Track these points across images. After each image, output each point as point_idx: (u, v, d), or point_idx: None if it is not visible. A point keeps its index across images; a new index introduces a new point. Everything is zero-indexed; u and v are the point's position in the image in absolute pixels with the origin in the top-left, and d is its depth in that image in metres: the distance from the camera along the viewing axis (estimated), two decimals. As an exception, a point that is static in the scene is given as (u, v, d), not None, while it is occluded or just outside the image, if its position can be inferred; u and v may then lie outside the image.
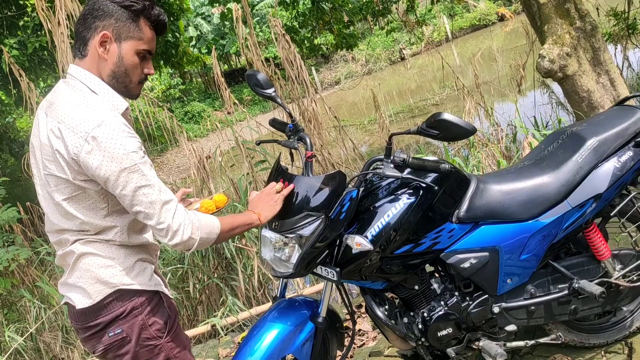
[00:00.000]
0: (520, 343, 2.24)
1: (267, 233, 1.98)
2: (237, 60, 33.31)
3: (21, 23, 9.24)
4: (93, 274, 1.63)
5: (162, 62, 11.71)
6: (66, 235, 1.64)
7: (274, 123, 2.38)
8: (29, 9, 8.85)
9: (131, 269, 1.67)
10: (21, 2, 8.80)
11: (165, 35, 10.84)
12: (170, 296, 1.82)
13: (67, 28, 4.22)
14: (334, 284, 2.06)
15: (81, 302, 1.64)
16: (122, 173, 1.51)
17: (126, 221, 1.65)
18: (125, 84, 1.66)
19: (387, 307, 2.15)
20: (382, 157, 1.99)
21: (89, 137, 1.49)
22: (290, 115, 2.28)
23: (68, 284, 1.69)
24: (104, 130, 1.50)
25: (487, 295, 2.16)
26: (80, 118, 1.52)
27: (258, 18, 27.06)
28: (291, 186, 1.95)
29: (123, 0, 1.60)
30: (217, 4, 14.06)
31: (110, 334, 1.64)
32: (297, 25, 11.13)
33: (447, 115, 1.77)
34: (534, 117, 5.53)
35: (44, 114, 1.61)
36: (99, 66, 1.62)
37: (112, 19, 1.59)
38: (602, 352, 2.40)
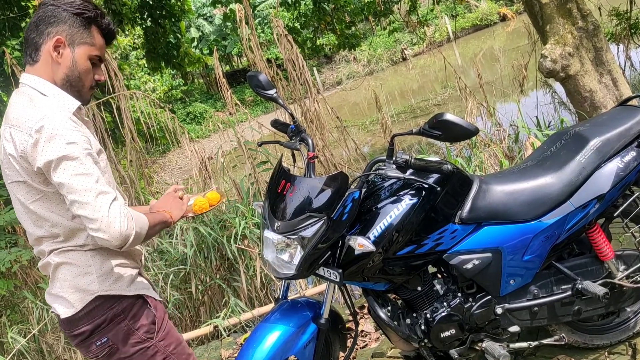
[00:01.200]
0: (524, 344, 2.23)
1: (269, 234, 1.97)
2: (239, 61, 33.35)
3: (23, 24, 9.26)
4: (71, 283, 1.66)
5: (163, 64, 11.71)
6: (43, 245, 1.67)
7: (276, 124, 2.38)
8: (30, 11, 8.87)
9: (109, 275, 1.69)
10: (23, 4, 8.82)
11: (167, 36, 10.86)
12: (157, 297, 1.82)
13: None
14: (336, 285, 2.06)
15: (64, 311, 1.67)
16: (61, 161, 1.51)
17: None
18: (78, 89, 1.69)
19: (389, 308, 2.14)
20: (385, 157, 1.98)
21: (33, 131, 1.52)
22: (292, 116, 2.27)
23: (52, 294, 1.72)
24: (46, 122, 1.52)
25: (490, 296, 2.15)
26: (25, 117, 1.55)
27: (260, 19, 27.09)
28: (187, 198, 2.00)
29: (74, 7, 1.65)
30: (219, 5, 14.06)
31: (97, 344, 1.67)
32: (299, 26, 11.13)
33: (450, 116, 1.77)
34: (536, 117, 5.53)
35: (2, 127, 1.64)
36: (52, 70, 1.65)
37: (65, 25, 1.64)
38: (606, 353, 2.39)
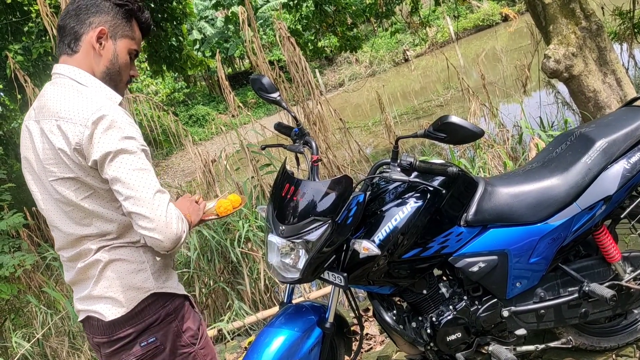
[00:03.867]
0: (530, 347, 2.21)
1: (273, 238, 1.96)
2: (241, 63, 33.39)
3: (25, 29, 9.29)
4: (124, 281, 1.54)
5: (165, 67, 11.71)
6: (87, 244, 1.55)
7: (280, 127, 2.37)
8: (33, 15, 8.89)
9: (162, 272, 1.61)
10: (25, 9, 8.84)
11: (168, 39, 10.86)
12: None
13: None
14: (341, 289, 2.04)
15: (112, 312, 1.54)
16: (119, 154, 1.44)
17: None
18: (116, 83, 1.63)
19: (395, 312, 2.13)
20: (389, 160, 1.97)
21: (89, 123, 1.44)
22: (295, 119, 2.27)
23: (92, 297, 1.57)
24: (104, 113, 1.45)
25: (496, 299, 2.14)
26: (77, 108, 1.47)
27: (261, 21, 27.10)
28: (203, 204, 1.86)
29: None
30: (221, 8, 14.07)
31: (142, 344, 1.55)
32: (301, 28, 11.12)
33: (455, 118, 1.76)
34: (540, 117, 5.51)
35: (34, 122, 1.56)
36: (92, 62, 1.58)
37: (108, 16, 1.58)
38: (613, 356, 2.37)
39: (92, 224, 1.53)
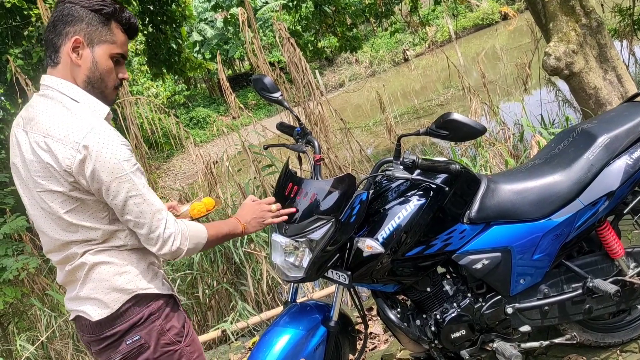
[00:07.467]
0: (535, 344, 2.22)
1: (277, 237, 1.97)
2: (241, 64, 33.42)
3: (25, 33, 9.29)
4: (108, 283, 1.60)
5: (164, 69, 11.72)
6: (73, 248, 1.61)
7: (282, 127, 2.38)
8: (33, 19, 8.90)
9: (145, 273, 1.65)
10: (25, 13, 8.85)
11: (168, 42, 10.87)
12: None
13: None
14: (345, 288, 2.05)
15: (97, 313, 1.61)
16: (113, 182, 1.50)
17: None
18: (101, 90, 1.63)
19: (399, 309, 2.14)
20: (391, 158, 1.98)
21: (80, 147, 1.47)
22: (297, 118, 2.27)
23: (80, 298, 1.64)
24: (94, 137, 1.48)
25: (500, 296, 2.14)
26: (67, 128, 1.49)
27: (261, 22, 27.11)
28: (285, 216, 1.92)
29: (92, 4, 1.57)
30: (220, 10, 14.08)
31: (127, 342, 1.61)
32: (300, 29, 11.12)
33: (457, 116, 1.76)
34: (541, 115, 5.51)
35: (22, 131, 1.58)
36: (73, 73, 1.59)
37: (83, 23, 1.57)
38: (618, 352, 2.37)
39: (78, 231, 1.59)
